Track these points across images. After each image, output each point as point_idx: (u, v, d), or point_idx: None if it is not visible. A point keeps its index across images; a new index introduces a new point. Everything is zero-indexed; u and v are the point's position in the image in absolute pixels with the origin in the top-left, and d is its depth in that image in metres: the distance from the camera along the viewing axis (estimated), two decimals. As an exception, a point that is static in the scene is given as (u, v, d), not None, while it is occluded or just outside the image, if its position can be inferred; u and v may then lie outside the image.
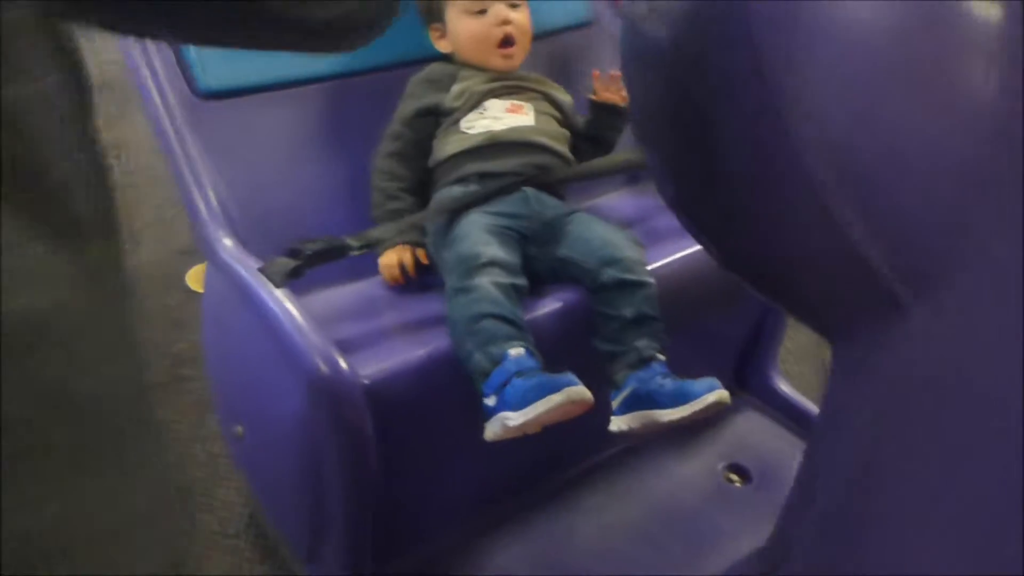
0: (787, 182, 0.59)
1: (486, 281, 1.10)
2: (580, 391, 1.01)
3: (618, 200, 1.50)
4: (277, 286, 1.06)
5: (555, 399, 0.99)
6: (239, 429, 1.18)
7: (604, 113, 1.37)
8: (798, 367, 1.75)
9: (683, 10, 0.64)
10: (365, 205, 1.30)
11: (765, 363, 1.51)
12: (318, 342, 1.01)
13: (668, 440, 1.40)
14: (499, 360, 1.04)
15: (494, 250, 1.14)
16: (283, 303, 1.05)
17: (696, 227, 0.78)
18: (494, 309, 1.08)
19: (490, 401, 1.04)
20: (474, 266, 1.11)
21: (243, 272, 1.09)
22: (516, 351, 1.05)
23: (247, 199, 1.24)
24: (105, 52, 3.69)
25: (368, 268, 1.26)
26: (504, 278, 1.11)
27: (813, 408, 1.50)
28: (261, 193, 1.26)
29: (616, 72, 1.36)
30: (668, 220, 1.39)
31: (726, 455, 1.43)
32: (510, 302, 1.10)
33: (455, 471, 1.19)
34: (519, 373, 1.02)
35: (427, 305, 1.20)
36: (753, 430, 1.47)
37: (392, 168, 1.29)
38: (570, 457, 1.36)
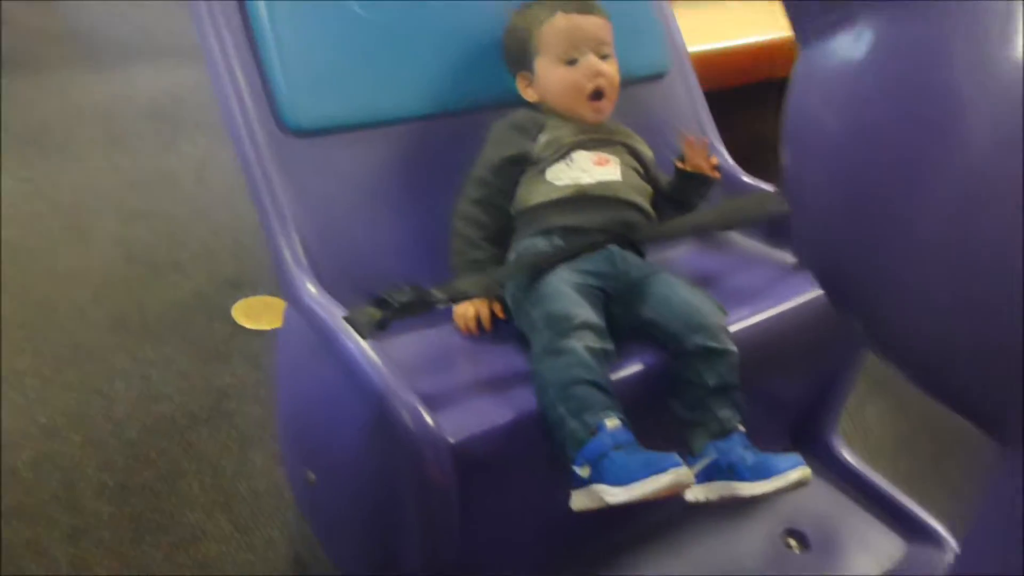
0: (992, 272, 0.53)
1: (579, 345, 1.08)
2: (687, 474, 1.00)
3: (687, 256, 1.50)
4: (364, 337, 1.06)
5: (662, 480, 0.98)
6: (310, 476, 1.16)
7: (692, 181, 1.36)
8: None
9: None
10: (444, 249, 1.29)
11: (825, 425, 1.50)
12: (406, 398, 0.99)
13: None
14: (595, 430, 1.03)
15: (586, 312, 1.12)
16: (369, 355, 1.04)
17: (854, 310, 0.71)
18: (587, 375, 1.06)
19: (583, 471, 1.02)
20: (565, 328, 1.10)
21: (328, 320, 1.09)
22: (612, 422, 1.03)
23: (327, 237, 1.23)
24: (154, 83, 3.77)
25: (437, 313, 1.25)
26: (595, 342, 1.10)
27: (870, 474, 1.49)
28: (341, 232, 1.25)
29: (706, 139, 1.36)
30: (739, 279, 1.42)
31: (785, 519, 1.41)
32: (602, 368, 1.09)
33: (525, 529, 1.18)
34: (617, 446, 1.01)
35: (506, 360, 1.19)
36: (811, 494, 1.45)
37: (476, 215, 1.29)
38: (631, 516, 1.35)
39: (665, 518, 1.37)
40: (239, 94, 1.24)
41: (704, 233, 1.50)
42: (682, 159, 1.36)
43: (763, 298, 1.34)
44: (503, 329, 1.26)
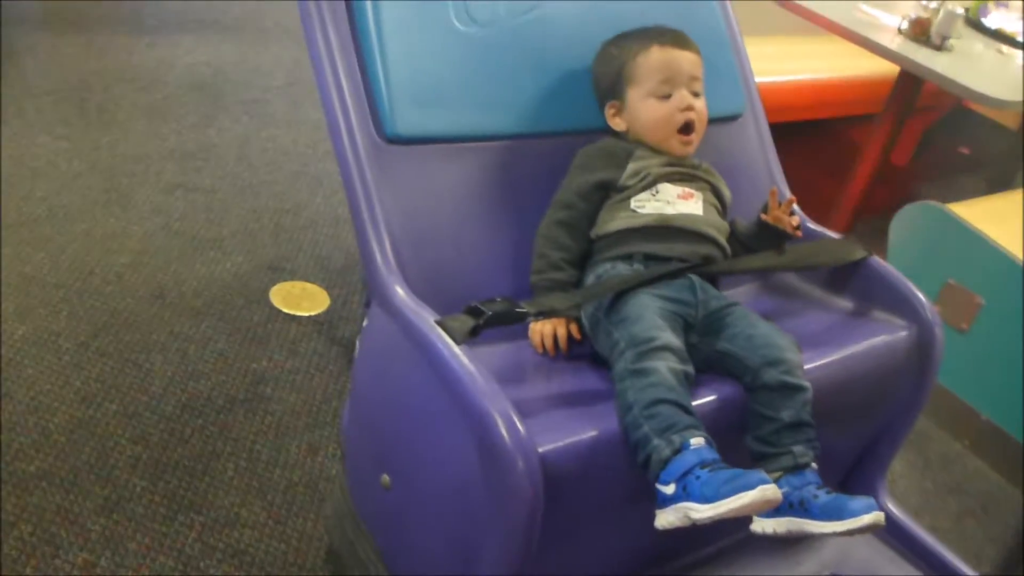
0: None
1: (662, 366, 1.10)
2: (773, 490, 1.01)
3: (750, 295, 1.51)
4: (458, 343, 1.06)
5: (750, 496, 0.99)
6: (385, 479, 1.16)
7: (771, 233, 1.37)
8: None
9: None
10: (525, 265, 1.31)
11: (874, 476, 1.51)
12: (500, 405, 1.00)
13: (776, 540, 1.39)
14: (680, 448, 1.04)
15: (668, 335, 1.14)
16: (463, 360, 1.04)
17: None
18: (671, 395, 1.08)
19: (667, 489, 1.04)
20: (649, 349, 1.12)
21: (421, 324, 1.09)
22: (697, 440, 1.05)
23: (416, 243, 1.24)
24: (196, 54, 3.73)
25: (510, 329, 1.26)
26: (678, 364, 1.12)
27: (915, 527, 1.49)
28: (429, 240, 1.26)
29: (792, 197, 1.37)
30: (802, 322, 1.43)
31: (830, 565, 1.42)
32: (684, 389, 1.11)
33: (592, 548, 1.18)
34: (703, 464, 1.02)
35: (583, 377, 1.20)
36: (856, 542, 1.46)
37: (560, 237, 1.30)
38: (683, 546, 1.35)
39: (713, 552, 1.38)
40: (343, 99, 1.25)
41: (772, 272, 1.50)
42: (766, 210, 1.37)
43: (827, 342, 1.36)
44: (575, 348, 1.27)
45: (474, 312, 1.11)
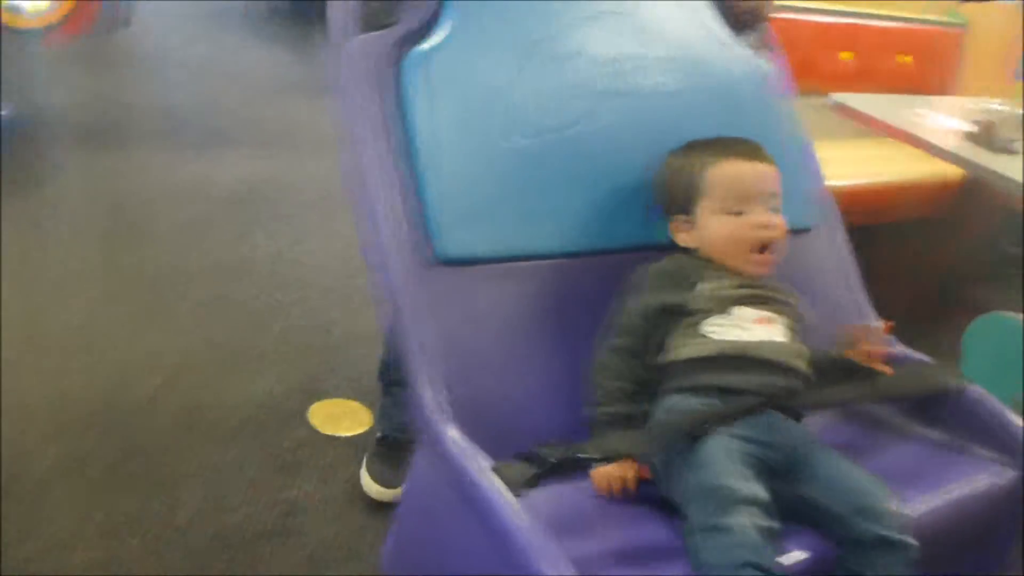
0: None
1: (746, 522, 0.97)
2: None
3: (831, 426, 1.36)
4: (516, 495, 0.95)
5: None
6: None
7: (854, 370, 1.26)
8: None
9: None
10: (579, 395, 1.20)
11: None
12: (558, 563, 0.89)
13: None
14: None
15: (752, 486, 1.01)
16: (520, 515, 0.94)
17: None
18: (755, 557, 0.95)
19: None
20: (729, 502, 0.99)
21: (475, 474, 0.98)
22: None
23: (466, 375, 1.14)
24: (236, 169, 3.76)
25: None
26: (763, 520, 0.99)
27: None
28: (479, 371, 1.16)
29: (888, 323, 1.26)
30: (890, 459, 1.29)
31: None
32: (771, 551, 0.97)
33: None
34: None
35: (655, 529, 1.08)
36: None
37: (620, 366, 1.19)
38: None
39: None
40: (393, 216, 1.18)
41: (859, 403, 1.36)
42: (851, 345, 1.27)
43: (921, 484, 1.21)
44: (643, 489, 1.14)
45: (532, 458, 0.99)
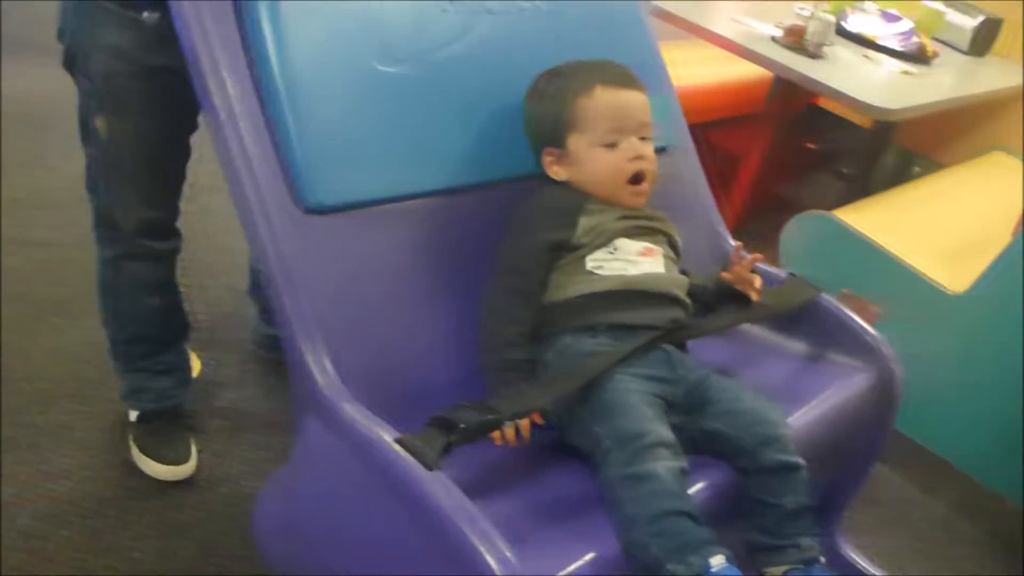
0: None
1: (660, 468, 0.96)
2: None
3: (711, 348, 1.37)
4: (430, 468, 0.89)
5: None
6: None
7: (730, 293, 1.26)
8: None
9: None
10: (473, 338, 1.14)
11: (831, 524, 1.44)
12: (489, 535, 0.84)
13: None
14: (701, 572, 0.91)
15: (659, 427, 1.01)
16: (441, 485, 0.87)
17: None
18: (676, 504, 0.95)
19: None
20: (640, 447, 0.98)
21: (385, 446, 0.90)
22: (717, 560, 0.92)
23: (350, 331, 1.06)
24: (22, 80, 3.19)
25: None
26: (674, 462, 0.98)
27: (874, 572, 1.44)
28: (363, 324, 1.08)
29: (758, 255, 1.26)
30: (764, 374, 1.33)
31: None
32: (686, 492, 0.98)
33: None
34: None
35: (563, 478, 1.05)
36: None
37: (509, 309, 1.13)
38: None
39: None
40: (249, 165, 1.03)
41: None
42: (726, 269, 1.26)
43: (794, 395, 1.27)
44: (537, 435, 1.08)
45: (442, 425, 0.93)
